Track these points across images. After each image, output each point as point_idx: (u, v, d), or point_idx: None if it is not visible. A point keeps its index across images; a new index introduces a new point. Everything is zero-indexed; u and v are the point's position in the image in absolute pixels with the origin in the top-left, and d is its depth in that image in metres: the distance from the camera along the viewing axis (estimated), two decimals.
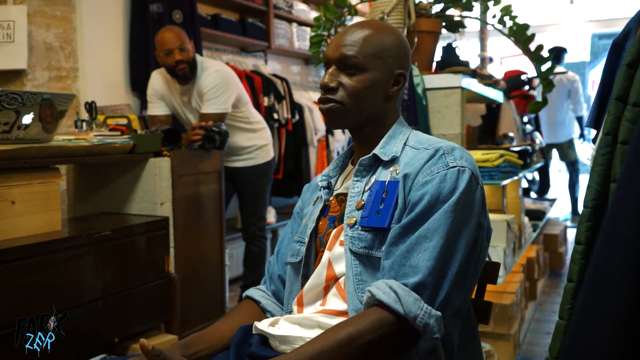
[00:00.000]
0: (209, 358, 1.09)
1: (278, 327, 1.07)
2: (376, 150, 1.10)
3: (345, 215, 1.08)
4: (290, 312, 1.13)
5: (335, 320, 1.01)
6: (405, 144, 1.11)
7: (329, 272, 1.07)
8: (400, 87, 1.12)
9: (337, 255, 1.07)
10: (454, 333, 1.02)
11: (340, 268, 1.06)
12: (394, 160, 1.09)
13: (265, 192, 3.20)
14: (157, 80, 2.88)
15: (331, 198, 1.17)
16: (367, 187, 1.09)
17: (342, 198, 1.14)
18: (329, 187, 1.19)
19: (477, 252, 1.04)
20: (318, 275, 1.08)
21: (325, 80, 1.09)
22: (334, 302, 1.05)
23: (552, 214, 4.77)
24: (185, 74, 2.73)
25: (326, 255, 1.09)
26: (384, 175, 1.08)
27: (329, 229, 1.12)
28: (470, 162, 1.04)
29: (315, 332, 1.01)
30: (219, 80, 2.77)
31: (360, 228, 1.04)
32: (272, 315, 1.20)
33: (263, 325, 1.08)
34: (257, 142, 3.10)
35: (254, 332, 1.09)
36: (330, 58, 1.11)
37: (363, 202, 1.07)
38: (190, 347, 1.07)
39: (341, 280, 1.06)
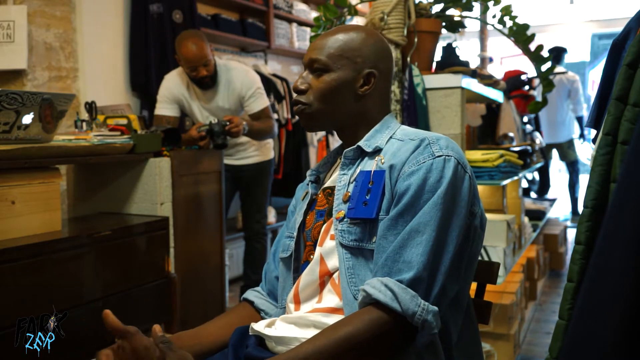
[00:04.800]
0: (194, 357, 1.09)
1: (274, 328, 1.07)
2: (360, 143, 1.12)
3: (334, 209, 1.09)
4: (284, 308, 1.14)
5: (330, 319, 1.01)
6: (391, 137, 1.12)
7: (322, 268, 1.07)
8: (371, 86, 1.12)
9: (328, 250, 1.07)
10: (452, 326, 1.02)
11: (332, 263, 1.06)
12: (378, 152, 1.10)
13: (268, 190, 3.23)
14: (175, 83, 2.87)
15: (318, 192, 1.18)
16: (352, 179, 1.09)
17: (329, 192, 1.14)
18: (317, 182, 1.20)
19: (471, 241, 1.04)
20: (311, 271, 1.08)
21: (297, 83, 1.13)
22: (330, 298, 1.05)
23: (552, 214, 4.77)
24: (207, 85, 2.79)
25: (318, 251, 1.09)
26: (369, 165, 1.09)
27: (316, 222, 1.13)
28: (456, 151, 1.04)
29: (310, 332, 1.01)
30: (255, 77, 2.89)
31: (349, 221, 1.04)
32: (266, 314, 1.20)
33: (259, 326, 1.08)
34: (260, 140, 3.12)
35: (250, 334, 1.09)
36: (304, 62, 1.15)
37: (349, 194, 1.07)
38: None
39: (335, 275, 1.06)
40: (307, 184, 1.21)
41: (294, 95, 1.15)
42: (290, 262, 1.15)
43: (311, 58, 1.12)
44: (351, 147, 1.13)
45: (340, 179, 1.11)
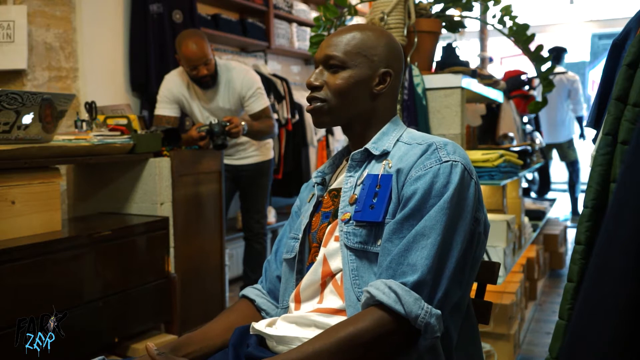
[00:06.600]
0: (201, 359, 1.10)
1: (275, 327, 1.07)
2: (368, 145, 1.12)
3: (339, 210, 1.09)
4: (287, 308, 1.14)
5: (331, 319, 1.01)
6: (398, 140, 1.12)
7: (325, 269, 1.07)
8: (386, 85, 1.12)
9: (332, 251, 1.07)
10: (453, 330, 1.02)
11: (335, 264, 1.06)
12: (385, 155, 1.10)
13: (268, 190, 3.23)
14: (175, 83, 2.87)
15: (324, 194, 1.17)
16: (359, 182, 1.09)
17: (335, 193, 1.14)
18: (323, 184, 1.20)
19: (474, 247, 1.04)
20: (314, 271, 1.09)
21: (311, 79, 1.12)
22: (331, 299, 1.05)
23: (552, 214, 4.77)
24: (208, 84, 2.80)
25: (321, 251, 1.09)
26: (376, 168, 1.09)
27: (322, 224, 1.13)
28: (463, 156, 1.04)
29: (311, 331, 1.01)
30: (255, 77, 2.90)
31: (354, 223, 1.04)
32: (267, 314, 1.20)
33: (260, 325, 1.08)
34: (260, 140, 3.12)
35: (251, 333, 1.09)
36: (317, 59, 1.14)
37: (356, 197, 1.07)
38: (181, 349, 1.07)
39: (337, 276, 1.06)
40: (313, 186, 1.21)
41: (307, 92, 1.14)
42: (294, 264, 1.15)
43: (327, 54, 1.11)
44: (358, 150, 1.12)
45: (346, 181, 1.11)
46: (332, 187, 1.17)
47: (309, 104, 1.14)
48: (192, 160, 2.52)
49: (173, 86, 2.87)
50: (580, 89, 5.73)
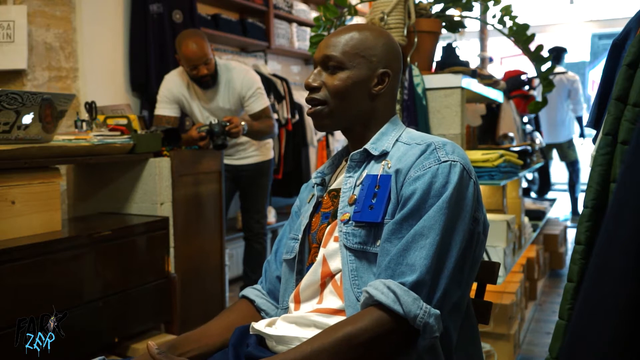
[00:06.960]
0: (199, 358, 1.10)
1: (275, 327, 1.07)
2: (367, 145, 1.12)
3: (339, 211, 1.09)
4: (286, 308, 1.14)
5: (331, 319, 1.01)
6: (397, 140, 1.12)
7: (324, 269, 1.07)
8: (385, 86, 1.12)
9: (331, 252, 1.07)
10: (452, 330, 1.02)
11: (335, 264, 1.06)
12: (385, 155, 1.10)
13: (268, 190, 3.24)
14: (175, 83, 2.87)
15: (324, 194, 1.17)
16: (358, 182, 1.09)
17: (335, 194, 1.14)
18: (323, 184, 1.20)
19: (474, 246, 1.04)
20: (313, 272, 1.09)
21: (309, 80, 1.12)
22: (330, 300, 1.06)
23: (552, 214, 4.77)
24: (208, 84, 2.80)
25: (321, 252, 1.09)
26: (375, 169, 1.09)
27: (321, 225, 1.13)
28: (462, 156, 1.04)
29: (311, 332, 1.01)
30: (255, 77, 2.90)
31: (354, 224, 1.04)
32: (267, 314, 1.20)
33: (260, 325, 1.08)
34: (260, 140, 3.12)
35: (251, 333, 1.09)
36: (315, 59, 1.14)
37: (355, 197, 1.07)
38: (179, 347, 1.08)
39: (337, 277, 1.06)
40: (313, 186, 1.21)
41: (307, 93, 1.13)
42: (294, 264, 1.15)
43: (325, 55, 1.11)
44: (358, 150, 1.12)
45: (346, 182, 1.11)
46: (331, 187, 1.17)
47: (309, 106, 1.13)
48: (192, 160, 2.52)
49: (173, 86, 2.87)
50: (580, 89, 5.73)
